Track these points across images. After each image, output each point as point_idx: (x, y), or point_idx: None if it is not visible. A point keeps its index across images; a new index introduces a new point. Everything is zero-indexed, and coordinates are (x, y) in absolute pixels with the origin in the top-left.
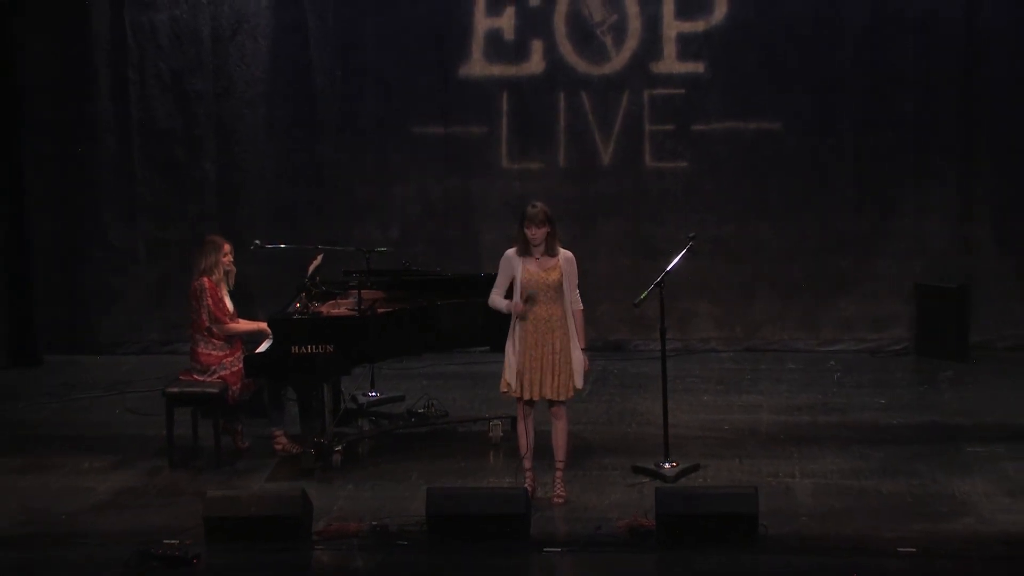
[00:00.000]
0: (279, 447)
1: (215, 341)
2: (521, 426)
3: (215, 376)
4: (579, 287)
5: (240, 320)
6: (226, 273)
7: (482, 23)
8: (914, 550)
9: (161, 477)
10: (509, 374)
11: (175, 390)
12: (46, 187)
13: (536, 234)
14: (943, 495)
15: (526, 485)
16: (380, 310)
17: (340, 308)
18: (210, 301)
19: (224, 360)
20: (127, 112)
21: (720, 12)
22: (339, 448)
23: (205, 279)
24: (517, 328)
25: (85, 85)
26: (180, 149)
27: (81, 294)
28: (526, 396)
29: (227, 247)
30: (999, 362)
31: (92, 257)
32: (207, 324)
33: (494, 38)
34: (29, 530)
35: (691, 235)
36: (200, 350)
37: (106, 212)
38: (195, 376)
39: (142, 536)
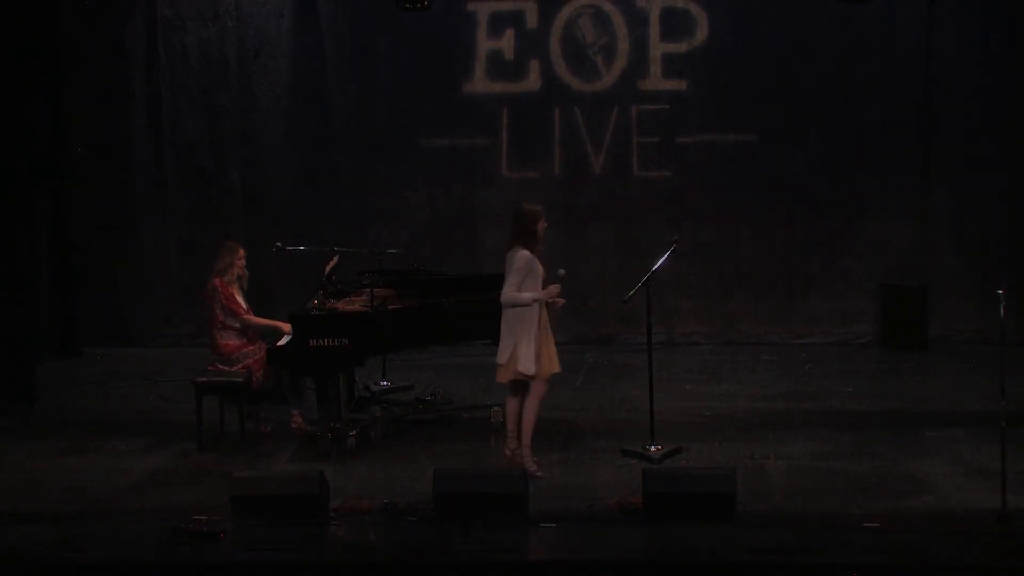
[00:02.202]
0: (295, 426)
1: (230, 331)
2: (514, 405)
3: (240, 365)
4: (572, 285)
5: (253, 316)
6: (239, 277)
7: (484, 44)
8: (878, 525)
9: (191, 459)
10: (534, 361)
11: (203, 379)
12: (87, 194)
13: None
14: (904, 475)
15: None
16: (391, 307)
17: (354, 305)
18: (222, 298)
19: (245, 349)
20: (160, 126)
21: (701, 35)
22: (353, 432)
23: (217, 280)
24: (535, 316)
25: (122, 101)
26: (208, 159)
27: (118, 292)
28: (554, 372)
29: (242, 252)
30: (955, 353)
31: (128, 258)
32: (221, 319)
33: (495, 58)
34: (71, 507)
35: (675, 238)
36: (219, 342)
37: (141, 217)
38: (220, 366)
39: (174, 512)
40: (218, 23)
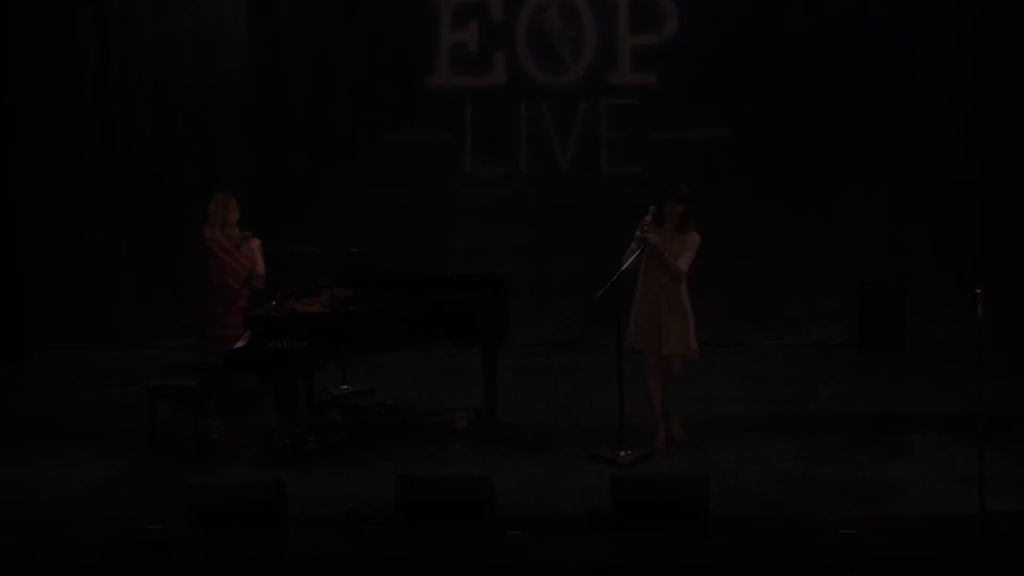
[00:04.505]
0: (216, 436)
1: (222, 292)
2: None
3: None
4: (539, 286)
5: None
6: (239, 238)
7: (448, 37)
8: (854, 531)
9: (144, 466)
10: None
11: (157, 383)
12: (35, 192)
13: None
14: (881, 480)
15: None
16: (351, 308)
17: (314, 306)
18: (219, 249)
19: (228, 319)
20: (111, 120)
21: (671, 27)
22: (312, 438)
23: (207, 230)
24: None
25: (72, 96)
26: (162, 156)
27: (68, 293)
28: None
29: (234, 202)
30: (933, 355)
31: (79, 258)
32: (243, 275)
33: (459, 51)
34: (20, 516)
35: (646, 236)
36: (212, 308)
37: (91, 215)
38: (210, 338)
39: (127, 522)
40: (172, 14)
